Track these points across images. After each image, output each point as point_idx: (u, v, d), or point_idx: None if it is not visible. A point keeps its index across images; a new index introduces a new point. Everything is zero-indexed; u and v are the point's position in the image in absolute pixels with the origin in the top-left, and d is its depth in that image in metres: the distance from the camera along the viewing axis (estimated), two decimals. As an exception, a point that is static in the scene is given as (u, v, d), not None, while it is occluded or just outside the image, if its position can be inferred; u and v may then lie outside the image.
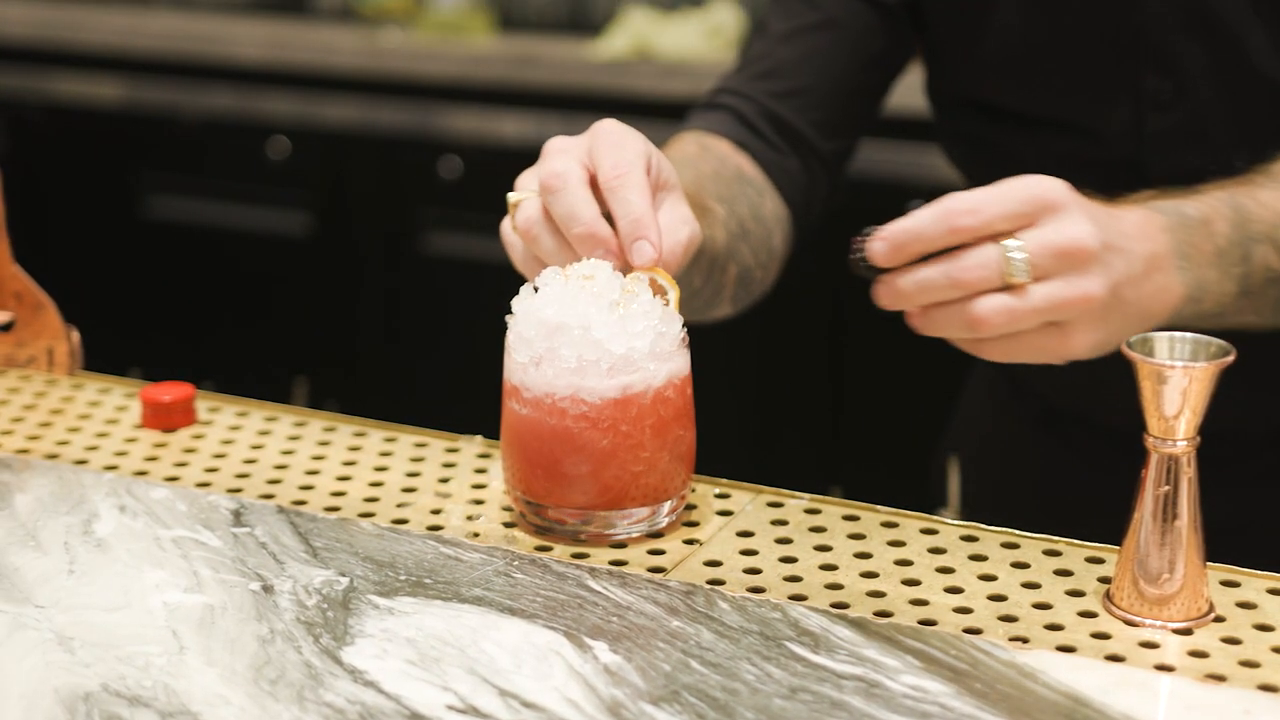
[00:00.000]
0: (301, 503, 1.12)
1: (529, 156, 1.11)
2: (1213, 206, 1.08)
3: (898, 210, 1.05)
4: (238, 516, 1.09)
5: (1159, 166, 1.29)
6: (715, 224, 1.24)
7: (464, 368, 2.86)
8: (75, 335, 1.36)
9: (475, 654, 0.91)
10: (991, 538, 1.06)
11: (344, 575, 1.01)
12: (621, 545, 1.05)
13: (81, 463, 1.19)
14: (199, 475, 1.17)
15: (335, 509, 1.11)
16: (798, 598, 0.98)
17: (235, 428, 1.25)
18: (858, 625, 0.94)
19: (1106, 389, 1.43)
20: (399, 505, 1.12)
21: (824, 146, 1.41)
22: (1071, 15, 1.33)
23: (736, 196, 1.31)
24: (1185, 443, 0.93)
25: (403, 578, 1.00)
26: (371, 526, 1.08)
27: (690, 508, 1.10)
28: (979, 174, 1.32)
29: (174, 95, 3.18)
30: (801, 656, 0.91)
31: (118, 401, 1.30)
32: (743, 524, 1.08)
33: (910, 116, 1.77)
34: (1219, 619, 0.95)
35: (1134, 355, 0.92)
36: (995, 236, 0.99)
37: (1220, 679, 0.89)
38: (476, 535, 1.07)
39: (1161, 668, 0.90)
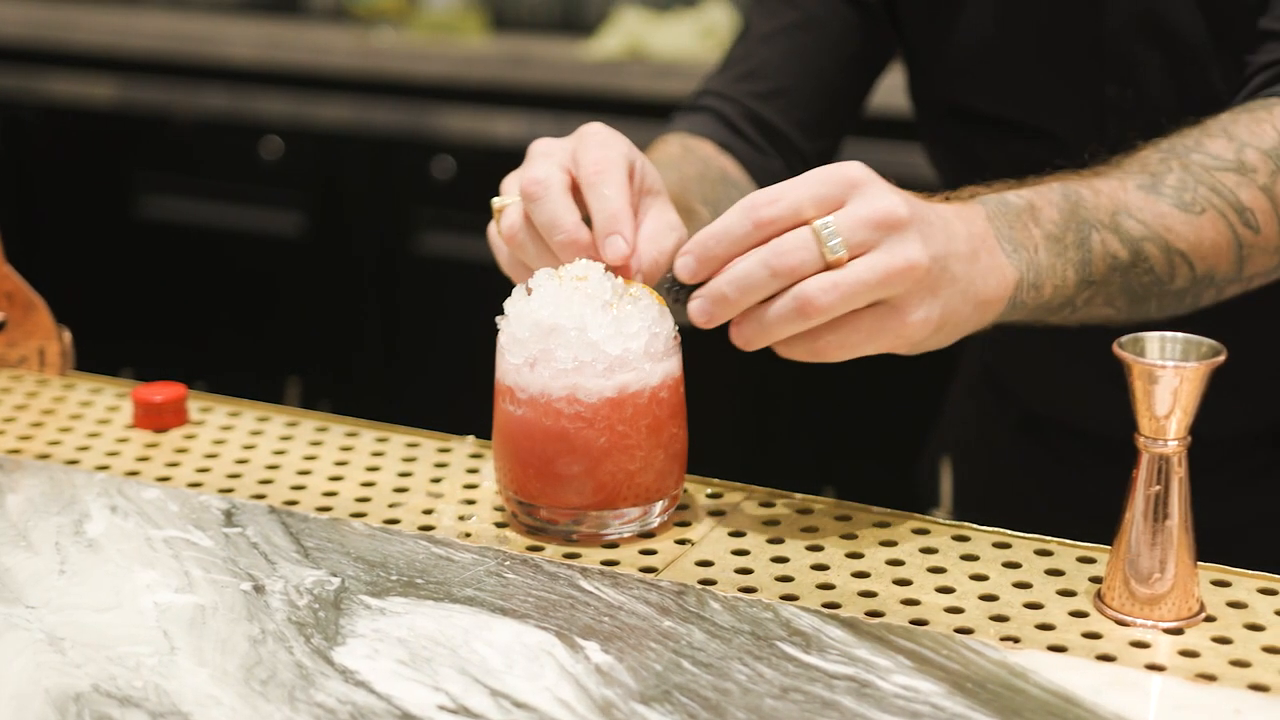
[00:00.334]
0: (293, 503, 1.12)
1: (522, 157, 1.11)
2: (1040, 194, 1.06)
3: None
4: (229, 517, 1.09)
5: None
6: (700, 226, 1.24)
7: (457, 368, 2.85)
8: (67, 335, 1.35)
9: (467, 654, 0.91)
10: (983, 538, 1.06)
11: (335, 575, 1.01)
12: (613, 545, 1.05)
13: (73, 463, 1.19)
14: (190, 475, 1.17)
15: (327, 509, 1.11)
16: (789, 598, 0.98)
17: (227, 428, 1.25)
18: (849, 625, 0.94)
19: (1083, 394, 1.43)
20: (391, 505, 1.12)
21: (807, 147, 1.41)
22: (1036, 23, 1.33)
23: (721, 198, 1.30)
24: (1176, 442, 0.93)
25: (394, 578, 1.00)
26: (363, 526, 1.08)
27: (682, 508, 1.10)
28: (956, 176, 1.32)
29: (167, 95, 3.18)
30: (793, 656, 0.91)
31: (109, 401, 1.30)
32: (734, 524, 1.08)
33: (894, 116, 1.77)
34: (1210, 619, 0.95)
35: (1125, 355, 0.92)
36: (805, 223, 0.97)
37: (1211, 679, 0.89)
38: (468, 535, 1.07)
39: (1152, 667, 0.90)
